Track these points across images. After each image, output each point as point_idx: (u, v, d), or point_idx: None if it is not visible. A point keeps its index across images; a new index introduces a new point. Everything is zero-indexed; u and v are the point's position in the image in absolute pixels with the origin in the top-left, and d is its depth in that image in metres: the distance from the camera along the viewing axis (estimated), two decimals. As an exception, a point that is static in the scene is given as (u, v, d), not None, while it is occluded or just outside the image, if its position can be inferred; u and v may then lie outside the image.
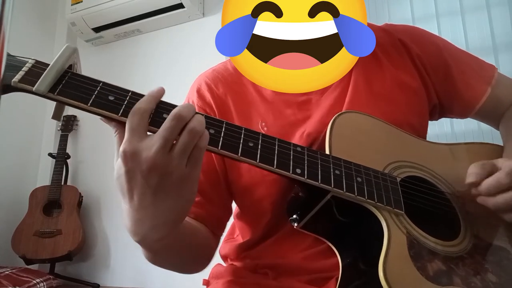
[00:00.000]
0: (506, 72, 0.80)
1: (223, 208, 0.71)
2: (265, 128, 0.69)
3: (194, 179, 0.47)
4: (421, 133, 0.73)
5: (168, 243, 0.50)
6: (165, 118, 0.45)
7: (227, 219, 0.73)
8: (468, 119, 0.83)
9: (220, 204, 0.70)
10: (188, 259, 0.63)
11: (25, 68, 0.46)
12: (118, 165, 0.45)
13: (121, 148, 0.43)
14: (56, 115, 0.49)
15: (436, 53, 0.76)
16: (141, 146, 0.43)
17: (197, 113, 0.46)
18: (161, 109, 0.47)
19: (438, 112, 0.80)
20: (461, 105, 0.78)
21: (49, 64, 0.46)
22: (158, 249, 0.51)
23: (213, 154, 0.68)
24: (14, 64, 0.46)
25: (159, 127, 0.44)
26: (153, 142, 0.43)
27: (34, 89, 0.44)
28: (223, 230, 0.73)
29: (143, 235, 0.47)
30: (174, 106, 0.47)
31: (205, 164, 0.68)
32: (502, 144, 0.75)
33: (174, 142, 0.45)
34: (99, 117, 0.47)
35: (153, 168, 0.43)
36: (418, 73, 0.75)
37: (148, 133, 0.45)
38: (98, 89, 0.47)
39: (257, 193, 0.68)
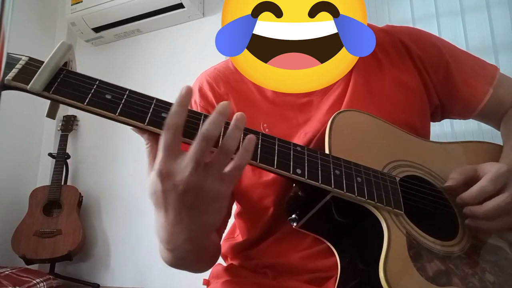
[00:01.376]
0: (506, 72, 0.80)
1: None
2: (266, 130, 0.69)
3: (227, 195, 0.47)
4: (422, 133, 0.73)
5: (194, 253, 0.53)
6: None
7: (229, 218, 0.74)
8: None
9: None
10: (201, 260, 0.65)
11: (18, 66, 0.45)
12: (153, 181, 0.45)
13: (157, 168, 0.43)
14: (51, 114, 0.48)
15: (436, 53, 0.76)
16: (176, 168, 0.43)
17: (227, 125, 0.45)
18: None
19: (440, 113, 0.80)
20: (462, 106, 0.78)
21: (43, 61, 0.45)
22: (185, 256, 0.54)
23: None
24: (7, 61, 0.45)
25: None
26: (185, 164, 0.43)
27: (28, 87, 0.43)
28: (225, 228, 0.74)
29: (178, 245, 0.49)
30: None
31: None
32: (501, 143, 0.75)
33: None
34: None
35: (187, 189, 0.43)
36: (419, 74, 0.75)
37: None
38: (94, 87, 0.46)
39: (258, 192, 0.67)
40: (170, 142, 0.43)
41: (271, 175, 0.64)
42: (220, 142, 0.45)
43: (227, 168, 0.45)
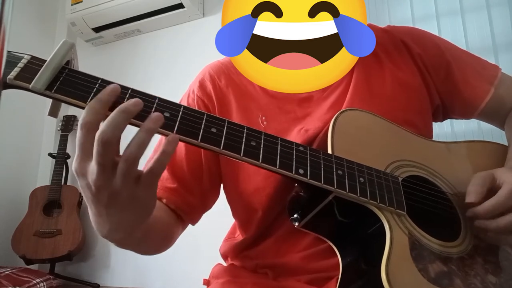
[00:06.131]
0: (506, 73, 0.80)
1: (200, 200, 0.71)
2: (264, 123, 0.69)
3: (148, 197, 0.47)
4: (425, 132, 0.72)
5: (131, 241, 0.54)
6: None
7: (203, 211, 0.74)
8: (468, 118, 0.83)
9: (198, 195, 0.71)
10: (152, 245, 0.67)
11: (20, 65, 0.44)
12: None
13: (74, 166, 0.44)
14: (53, 112, 0.48)
15: (437, 53, 0.76)
16: (86, 169, 0.43)
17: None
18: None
19: (441, 113, 0.80)
20: (463, 106, 0.78)
21: (45, 60, 0.45)
22: (122, 244, 0.54)
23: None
24: (9, 60, 0.44)
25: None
26: (92, 166, 0.43)
27: (30, 86, 0.43)
28: (196, 221, 0.74)
29: (105, 234, 0.50)
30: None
31: (192, 154, 0.69)
32: (503, 143, 0.74)
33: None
34: None
35: (98, 190, 0.44)
36: (420, 73, 0.75)
37: None
38: (97, 86, 0.46)
39: (256, 182, 0.67)
40: (82, 141, 0.43)
41: None
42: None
43: (144, 171, 0.44)
